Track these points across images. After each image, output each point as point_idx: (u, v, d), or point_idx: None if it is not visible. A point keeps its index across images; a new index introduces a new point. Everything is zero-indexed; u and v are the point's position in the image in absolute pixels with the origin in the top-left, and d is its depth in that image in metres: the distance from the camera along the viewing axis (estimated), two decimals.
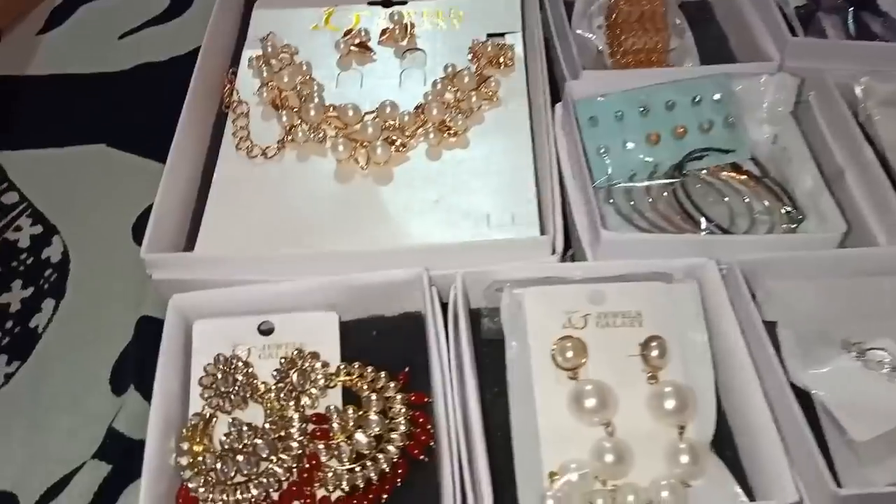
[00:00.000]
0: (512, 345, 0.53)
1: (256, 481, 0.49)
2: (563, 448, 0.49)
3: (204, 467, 0.49)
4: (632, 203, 0.64)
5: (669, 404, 0.50)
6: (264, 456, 0.49)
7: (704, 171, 0.66)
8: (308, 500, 0.49)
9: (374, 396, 0.52)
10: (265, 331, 0.57)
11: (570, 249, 0.64)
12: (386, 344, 0.57)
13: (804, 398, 0.53)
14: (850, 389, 0.52)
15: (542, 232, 0.61)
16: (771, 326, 0.56)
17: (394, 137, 0.68)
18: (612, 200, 0.64)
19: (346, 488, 0.49)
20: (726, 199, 0.65)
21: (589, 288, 0.55)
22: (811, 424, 0.51)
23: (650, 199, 0.64)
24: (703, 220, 0.61)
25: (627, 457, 0.48)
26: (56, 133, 0.79)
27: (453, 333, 0.54)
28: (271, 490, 0.49)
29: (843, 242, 0.61)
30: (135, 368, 0.60)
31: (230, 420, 0.51)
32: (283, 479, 0.49)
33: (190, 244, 0.63)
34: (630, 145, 0.66)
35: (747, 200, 0.64)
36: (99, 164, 0.76)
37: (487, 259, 0.57)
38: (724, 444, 0.52)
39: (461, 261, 0.57)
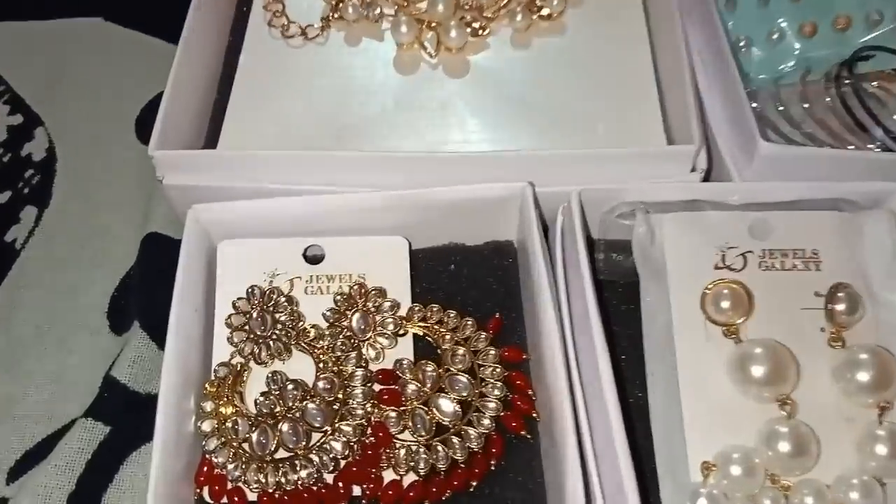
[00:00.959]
0: (647, 289, 0.40)
1: (305, 458, 0.36)
2: (719, 431, 0.37)
3: (234, 436, 0.37)
4: (780, 108, 0.49)
5: (863, 376, 0.36)
6: (317, 425, 0.37)
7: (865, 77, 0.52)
8: (372, 485, 0.36)
9: (460, 350, 0.39)
10: (312, 258, 0.43)
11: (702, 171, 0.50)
12: (466, 281, 0.44)
13: None
14: None
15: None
16: None
17: (470, 18, 0.53)
18: (754, 105, 0.50)
19: (423, 471, 0.37)
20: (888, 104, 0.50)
21: (750, 217, 0.41)
22: None
23: (806, 105, 0.49)
24: (879, 131, 0.47)
25: (809, 445, 0.36)
26: (42, 1, 0.63)
27: (562, 271, 0.41)
28: (325, 471, 0.36)
29: None
30: (140, 301, 0.46)
31: (268, 374, 0.38)
32: (342, 456, 0.36)
33: (210, 145, 0.49)
34: (777, 36, 0.52)
35: None
36: (94, 42, 0.60)
37: (602, 176, 0.43)
38: None
39: (567, 176, 0.43)
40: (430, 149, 0.47)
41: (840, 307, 0.38)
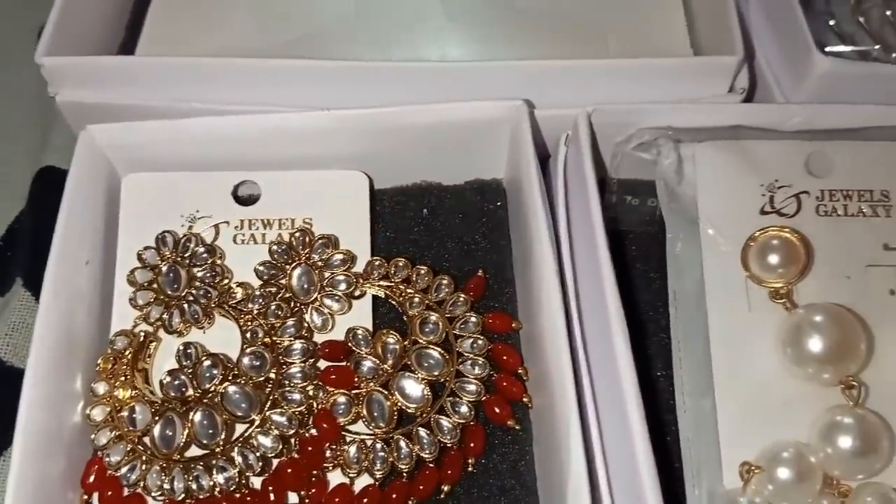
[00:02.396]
0: (676, 238, 0.31)
1: (225, 458, 0.28)
2: (763, 423, 0.28)
3: (132, 428, 0.28)
4: (831, 23, 0.40)
5: None
6: (240, 414, 0.28)
7: None
8: (314, 491, 0.28)
9: (432, 317, 0.30)
10: (245, 198, 0.34)
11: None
12: (442, 230, 0.35)
13: None
14: None
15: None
16: None
17: None
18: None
19: (380, 473, 0.28)
20: None
21: (806, 148, 0.32)
22: None
23: (861, 18, 0.40)
24: None
25: (880, 441, 0.27)
26: None
27: (564, 218, 0.32)
28: (250, 474, 0.28)
29: None
30: (25, 252, 0.36)
31: (180, 347, 0.29)
32: (273, 454, 0.28)
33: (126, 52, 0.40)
34: None
35: None
36: None
37: (616, 96, 0.34)
38: None
39: (573, 95, 0.34)
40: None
41: None
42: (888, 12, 0.39)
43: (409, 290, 0.32)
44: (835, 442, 0.28)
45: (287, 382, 0.29)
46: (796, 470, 0.27)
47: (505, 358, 0.31)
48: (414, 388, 0.29)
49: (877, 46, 0.40)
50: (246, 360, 0.29)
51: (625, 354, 0.27)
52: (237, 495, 0.27)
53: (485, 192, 0.36)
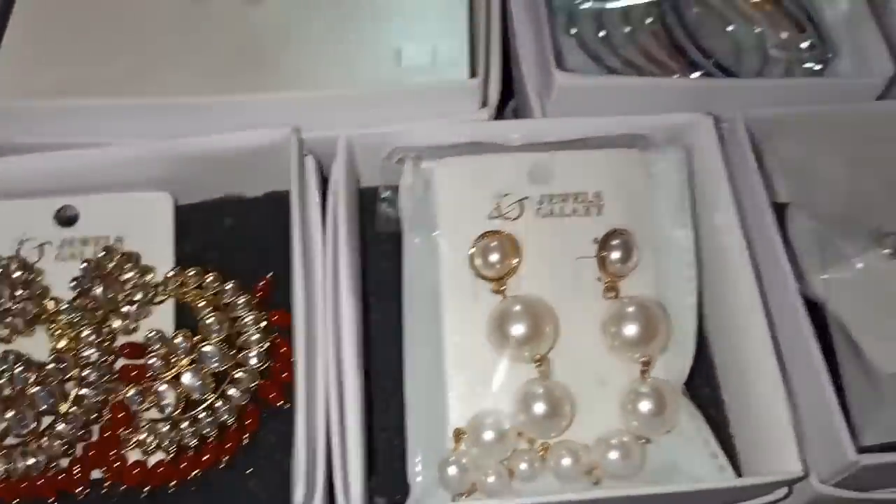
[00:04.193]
0: (413, 242, 0.37)
1: (37, 445, 0.34)
2: (479, 395, 0.35)
3: None
4: (602, 34, 0.45)
5: (630, 329, 0.34)
6: (43, 409, 0.34)
7: None
8: (115, 468, 0.34)
9: (209, 319, 0.36)
10: (66, 219, 0.40)
11: (513, 101, 0.46)
12: (244, 239, 0.41)
13: (817, 313, 0.39)
14: (877, 301, 0.38)
15: (474, 74, 0.42)
16: (781, 211, 0.40)
17: None
18: (573, 31, 0.45)
19: (171, 449, 0.35)
20: (731, 27, 0.46)
21: (530, 159, 0.38)
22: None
23: (627, 29, 0.45)
24: (698, 55, 0.43)
25: (565, 405, 0.34)
26: None
27: (332, 223, 0.38)
28: (55, 457, 0.34)
29: (888, 91, 0.44)
30: None
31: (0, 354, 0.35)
32: (73, 440, 0.34)
33: None
34: None
35: (759, 30, 0.46)
36: None
37: (388, 114, 0.39)
38: (707, 386, 0.37)
39: (350, 117, 0.39)
40: (220, 86, 0.42)
41: (614, 255, 0.36)
42: (626, 29, 0.44)
43: (201, 295, 0.38)
44: (530, 408, 0.34)
45: (87, 379, 0.35)
46: (496, 432, 0.34)
47: (283, 350, 0.37)
48: (189, 379, 0.35)
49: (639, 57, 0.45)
50: (52, 365, 0.35)
51: (351, 338, 0.33)
52: (49, 475, 0.34)
53: (281, 203, 0.41)
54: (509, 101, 0.46)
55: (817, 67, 0.45)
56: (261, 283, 0.39)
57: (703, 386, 0.38)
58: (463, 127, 0.38)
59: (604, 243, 0.36)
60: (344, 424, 0.32)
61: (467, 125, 0.38)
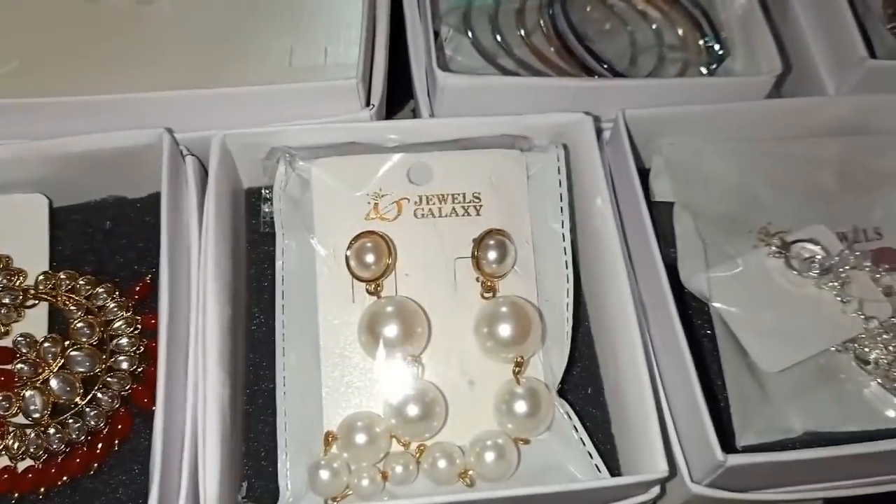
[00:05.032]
0: (288, 244, 0.37)
1: None
2: (352, 397, 0.34)
3: None
4: (497, 36, 0.45)
5: (504, 330, 0.34)
6: None
7: None
8: None
9: (79, 323, 0.36)
10: None
11: (411, 101, 0.46)
12: (125, 241, 0.40)
13: (702, 311, 0.39)
14: (762, 299, 0.38)
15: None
16: (668, 211, 0.41)
17: None
18: (470, 32, 0.45)
19: (40, 455, 0.34)
20: (629, 27, 0.47)
21: (409, 159, 0.37)
22: (704, 349, 0.38)
23: (522, 31, 0.45)
24: (587, 56, 0.43)
25: (436, 407, 0.34)
26: None
27: (205, 225, 0.37)
28: None
29: (780, 89, 0.44)
30: None
31: None
32: None
33: None
34: None
35: (655, 27, 0.47)
36: None
37: (273, 114, 0.39)
38: (591, 385, 0.37)
39: (235, 116, 0.39)
40: (102, 85, 0.41)
41: (490, 255, 0.35)
42: (521, 31, 0.44)
43: (72, 298, 0.37)
44: (402, 410, 0.34)
45: None
46: (368, 435, 0.33)
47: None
48: (57, 385, 0.34)
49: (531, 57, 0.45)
50: None
51: (214, 340, 0.33)
52: None
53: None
54: (407, 102, 0.46)
55: (712, 66, 0.45)
56: (138, 286, 0.38)
57: (587, 385, 0.38)
58: (341, 127, 0.37)
59: (479, 243, 0.36)
60: (203, 429, 0.32)
61: (345, 126, 0.38)
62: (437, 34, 0.44)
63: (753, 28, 0.43)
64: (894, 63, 0.42)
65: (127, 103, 0.39)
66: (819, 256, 0.38)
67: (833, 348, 0.37)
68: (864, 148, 0.41)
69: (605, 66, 0.43)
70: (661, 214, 0.41)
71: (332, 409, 0.34)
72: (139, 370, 0.36)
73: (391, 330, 0.34)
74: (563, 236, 0.37)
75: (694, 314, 0.39)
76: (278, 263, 0.36)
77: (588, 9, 0.46)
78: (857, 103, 0.41)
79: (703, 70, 0.45)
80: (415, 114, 0.46)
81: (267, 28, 0.44)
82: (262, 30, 0.44)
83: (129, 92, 0.39)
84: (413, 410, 0.33)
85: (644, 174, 0.41)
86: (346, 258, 0.35)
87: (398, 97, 0.45)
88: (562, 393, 0.37)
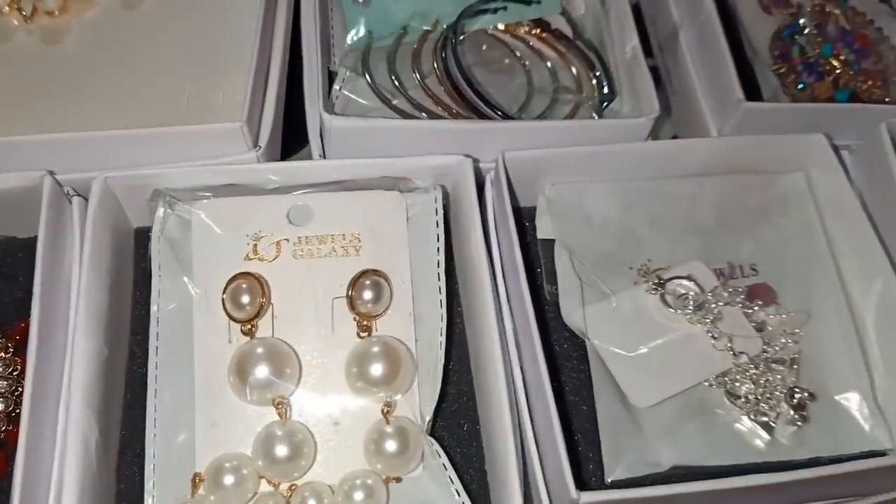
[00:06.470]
0: (164, 286, 0.37)
1: None
2: (223, 438, 0.35)
3: None
4: (394, 77, 0.46)
5: (376, 370, 0.35)
6: None
7: (500, 30, 0.49)
8: None
9: None
10: None
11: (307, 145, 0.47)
12: (13, 281, 0.40)
13: (584, 347, 0.40)
14: (636, 336, 0.39)
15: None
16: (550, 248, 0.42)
17: None
18: (367, 74, 0.46)
19: None
20: (526, 64, 0.48)
21: (290, 200, 0.38)
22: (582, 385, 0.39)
23: (417, 73, 0.46)
24: (475, 99, 0.44)
25: (304, 447, 0.34)
26: None
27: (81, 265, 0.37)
28: None
29: (659, 130, 0.45)
30: None
31: None
32: None
33: None
34: None
35: (551, 66, 0.48)
36: None
37: (161, 156, 0.40)
38: (469, 421, 0.38)
39: (122, 158, 0.39)
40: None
41: (366, 295, 0.36)
42: (415, 73, 0.45)
43: None
44: (271, 451, 0.34)
45: None
46: (235, 476, 0.34)
47: None
48: None
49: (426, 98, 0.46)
50: None
51: (79, 384, 0.33)
52: None
53: None
54: (303, 147, 0.46)
55: (604, 106, 0.47)
56: (19, 328, 0.38)
57: (466, 421, 0.38)
58: (223, 169, 0.38)
59: (354, 283, 0.36)
60: (62, 472, 0.32)
61: (227, 167, 0.38)
62: (334, 75, 0.46)
63: (636, 72, 0.45)
64: (768, 105, 0.44)
65: (16, 145, 0.39)
66: (692, 293, 0.39)
67: (707, 383, 0.38)
68: (740, 186, 0.43)
69: (494, 109, 0.44)
70: (549, 252, 0.42)
71: (203, 450, 0.34)
72: (17, 412, 0.36)
73: (261, 371, 0.34)
74: (439, 276, 0.37)
75: (576, 351, 0.40)
76: (153, 306, 0.36)
77: (484, 47, 0.47)
78: (732, 144, 0.42)
79: (594, 110, 0.46)
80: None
81: (167, 70, 0.45)
82: (163, 72, 0.45)
83: (25, 134, 0.40)
84: (282, 451, 0.34)
85: (533, 213, 0.43)
86: (223, 299, 0.36)
87: (300, 139, 0.45)
88: (443, 429, 0.37)
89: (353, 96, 0.46)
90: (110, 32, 0.46)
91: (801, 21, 0.48)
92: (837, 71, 0.47)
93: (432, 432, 0.36)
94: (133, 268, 0.40)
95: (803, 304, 0.40)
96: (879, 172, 0.41)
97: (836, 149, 0.42)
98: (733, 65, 0.44)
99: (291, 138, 0.46)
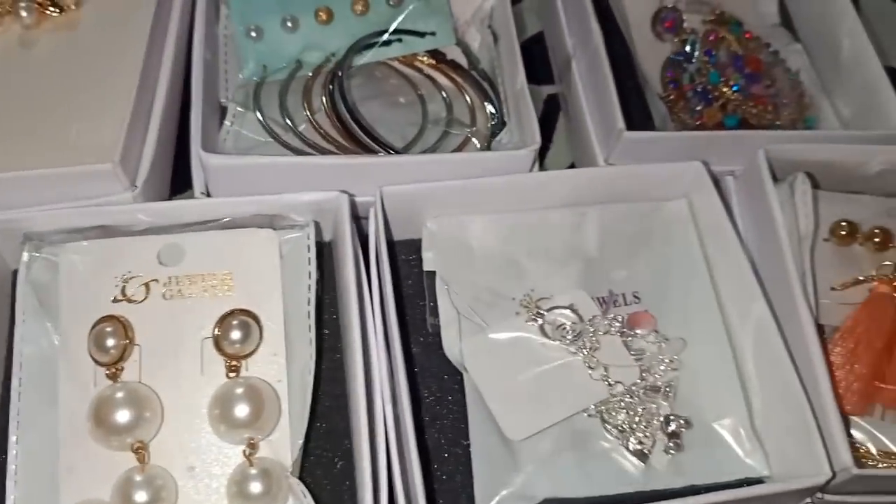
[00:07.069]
0: (29, 330, 0.37)
1: None
2: (84, 485, 0.34)
3: None
4: (284, 113, 0.46)
5: (241, 411, 0.35)
6: None
7: (396, 61, 0.49)
8: None
9: None
10: None
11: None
12: None
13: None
14: (513, 367, 0.39)
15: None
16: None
17: None
18: (258, 110, 0.46)
19: None
20: (422, 93, 0.48)
21: (160, 241, 0.38)
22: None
23: (307, 110, 0.46)
24: (361, 135, 0.45)
25: (165, 493, 0.34)
26: None
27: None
28: None
29: (543, 160, 0.46)
30: None
31: None
32: None
33: None
34: (291, 25, 0.48)
35: (446, 96, 0.48)
36: None
37: (41, 197, 0.40)
38: (343, 459, 0.38)
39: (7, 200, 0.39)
40: None
41: (234, 335, 0.36)
42: (304, 109, 0.45)
43: None
44: (130, 497, 0.33)
45: None
46: None
47: None
48: None
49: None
50: None
51: None
52: None
53: None
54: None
55: (496, 135, 0.47)
56: None
57: (340, 459, 0.38)
58: (93, 210, 0.38)
59: (221, 323, 0.36)
60: None
61: (98, 209, 0.38)
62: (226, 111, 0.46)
63: (521, 103, 0.45)
64: (648, 134, 0.44)
65: None
66: (570, 322, 0.40)
67: (585, 414, 0.38)
68: (623, 215, 0.43)
69: (380, 143, 0.44)
70: (433, 285, 0.42)
71: (65, 496, 0.34)
72: None
73: (121, 416, 0.34)
74: (309, 314, 0.37)
75: (458, 384, 0.40)
76: (16, 350, 0.36)
77: (379, 77, 0.48)
78: (612, 173, 0.43)
79: (486, 141, 0.47)
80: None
81: (56, 110, 0.45)
82: (52, 112, 0.45)
83: None
84: (141, 497, 0.33)
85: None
86: (88, 343, 0.36)
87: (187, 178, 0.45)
88: (317, 467, 0.37)
89: (244, 132, 0.46)
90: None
91: (688, 49, 0.48)
92: (726, 97, 0.48)
93: (302, 472, 0.36)
94: (10, 310, 0.40)
95: (683, 330, 0.40)
96: (758, 198, 0.42)
97: (715, 176, 0.42)
98: (616, 93, 0.44)
99: (182, 177, 0.46)
